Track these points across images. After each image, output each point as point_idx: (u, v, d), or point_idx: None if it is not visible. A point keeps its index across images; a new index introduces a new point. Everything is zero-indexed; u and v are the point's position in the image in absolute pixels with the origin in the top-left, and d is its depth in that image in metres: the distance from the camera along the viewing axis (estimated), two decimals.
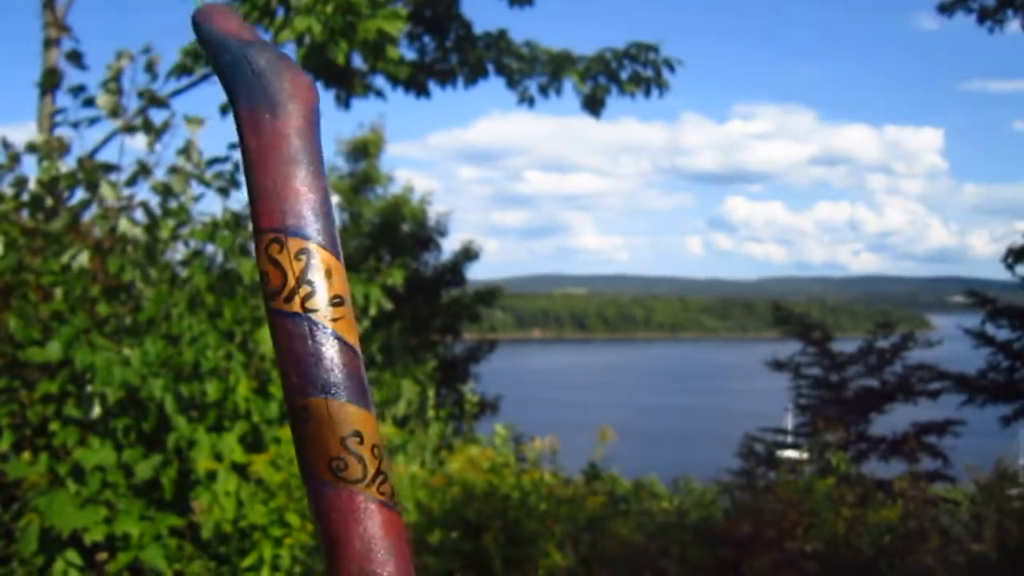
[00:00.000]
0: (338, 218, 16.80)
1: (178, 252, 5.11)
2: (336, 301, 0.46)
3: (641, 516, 4.44)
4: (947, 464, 10.44)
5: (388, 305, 4.64)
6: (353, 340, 0.47)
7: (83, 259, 4.31)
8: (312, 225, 0.47)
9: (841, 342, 13.74)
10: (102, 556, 3.64)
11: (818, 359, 13.39)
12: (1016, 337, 10.76)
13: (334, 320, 0.46)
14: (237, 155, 5.40)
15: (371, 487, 0.45)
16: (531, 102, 7.37)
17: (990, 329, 10.88)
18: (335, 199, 15.41)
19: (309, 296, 0.46)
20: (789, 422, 13.58)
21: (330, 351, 0.45)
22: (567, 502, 3.85)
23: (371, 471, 0.45)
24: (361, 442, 0.45)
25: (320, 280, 0.46)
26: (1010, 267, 10.22)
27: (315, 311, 0.46)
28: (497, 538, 3.40)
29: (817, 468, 5.05)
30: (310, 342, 0.45)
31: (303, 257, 0.46)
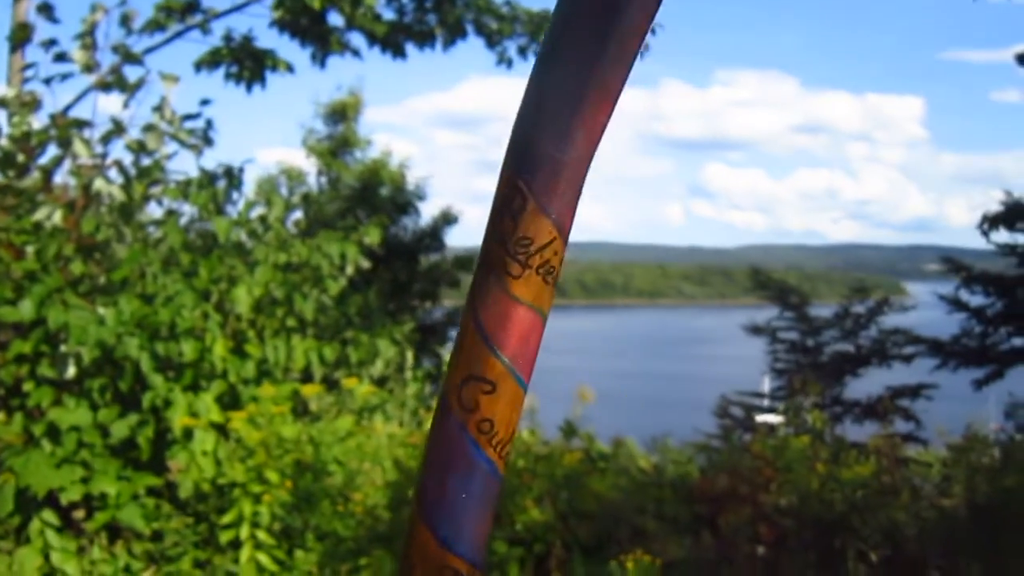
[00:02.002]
0: (315, 182, 16.55)
1: (152, 213, 5.05)
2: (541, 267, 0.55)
3: (618, 475, 4.48)
4: (919, 427, 10.62)
5: (365, 264, 4.61)
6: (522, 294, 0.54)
7: (56, 217, 4.24)
8: (545, 192, 0.53)
9: (818, 308, 13.85)
10: (79, 514, 3.63)
11: (795, 323, 13.53)
12: (989, 303, 10.89)
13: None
14: (208, 111, 5.34)
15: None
16: (509, 63, 7.29)
17: (964, 295, 10.99)
18: (312, 162, 15.25)
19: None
20: (766, 386, 13.73)
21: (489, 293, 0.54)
22: (544, 459, 3.88)
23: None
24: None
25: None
26: (985, 233, 10.30)
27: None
28: None
29: (793, 429, 5.11)
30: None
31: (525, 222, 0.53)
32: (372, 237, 4.84)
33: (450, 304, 15.63)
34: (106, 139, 4.50)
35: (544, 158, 0.53)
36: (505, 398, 0.53)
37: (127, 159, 4.71)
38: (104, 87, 4.70)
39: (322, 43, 6.83)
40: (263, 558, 3.35)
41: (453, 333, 14.55)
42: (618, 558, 3.14)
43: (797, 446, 4.09)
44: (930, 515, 3.96)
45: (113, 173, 4.55)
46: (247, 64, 6.55)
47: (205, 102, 5.08)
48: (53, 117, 4.82)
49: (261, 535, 3.37)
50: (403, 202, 14.77)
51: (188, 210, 5.00)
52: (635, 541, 3.66)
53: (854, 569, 3.66)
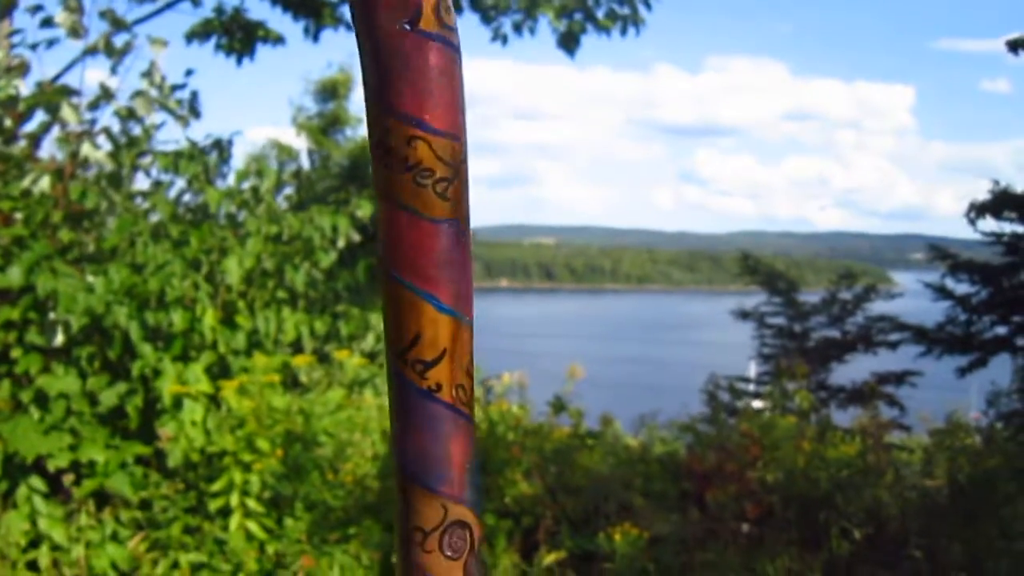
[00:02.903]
0: (307, 160, 16.45)
1: (141, 183, 5.01)
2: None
3: (608, 455, 4.50)
4: (903, 413, 10.72)
5: (356, 237, 4.60)
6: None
7: (44, 184, 4.20)
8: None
9: (805, 296, 13.92)
10: (69, 478, 3.62)
11: (783, 308, 13.61)
12: (975, 291, 10.97)
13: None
14: (198, 87, 5.31)
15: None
16: (504, 40, 7.25)
17: (950, 283, 11.07)
18: (302, 140, 15.15)
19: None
20: (752, 371, 13.80)
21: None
22: (534, 433, 3.90)
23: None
24: None
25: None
26: (972, 222, 10.36)
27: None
28: None
29: (779, 410, 5.15)
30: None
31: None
32: (364, 210, 4.83)
33: None
34: (94, 105, 4.47)
35: (372, 47, 0.50)
36: (398, 306, 0.52)
37: (115, 127, 4.67)
38: (91, 52, 4.64)
39: (315, 16, 6.77)
40: (252, 526, 3.36)
41: None
42: (606, 531, 3.17)
43: (784, 425, 4.13)
44: (913, 495, 4.00)
45: (101, 140, 4.51)
46: (238, 36, 6.49)
47: (190, 72, 5.04)
48: (40, 84, 4.76)
49: (251, 503, 3.37)
50: None
51: (177, 184, 4.97)
52: (622, 516, 3.69)
53: (837, 546, 3.70)
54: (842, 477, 3.86)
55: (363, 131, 15.47)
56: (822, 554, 3.66)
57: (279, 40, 6.69)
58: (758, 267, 14.86)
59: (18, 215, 4.15)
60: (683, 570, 3.44)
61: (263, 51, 6.79)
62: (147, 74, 4.48)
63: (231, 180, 5.15)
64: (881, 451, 4.21)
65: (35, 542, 3.57)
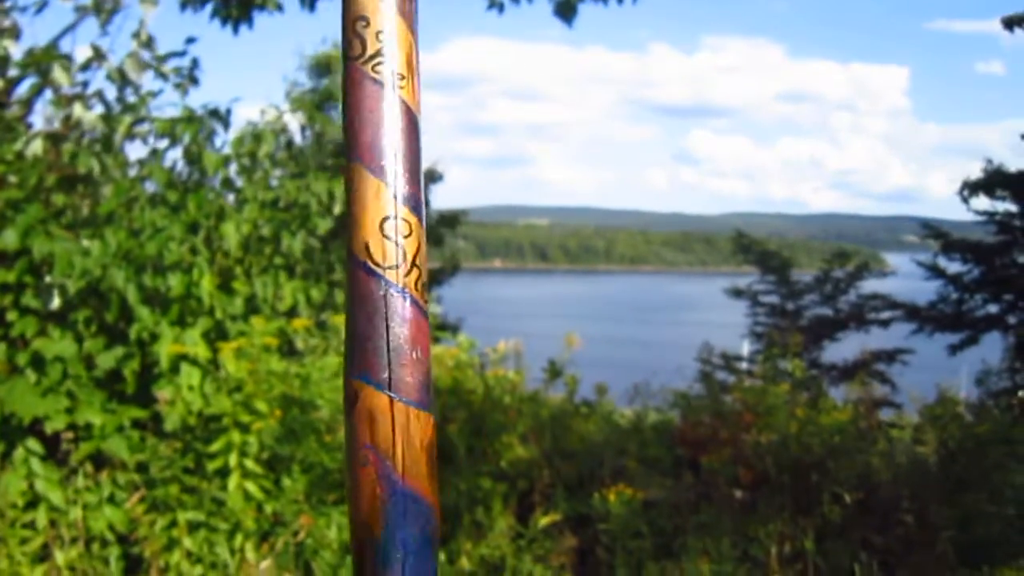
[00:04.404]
0: (300, 137, 16.40)
1: (137, 151, 4.99)
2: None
3: (603, 422, 4.53)
4: (895, 390, 10.80)
5: None
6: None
7: (37, 147, 4.18)
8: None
9: (798, 276, 13.98)
10: (68, 435, 3.63)
11: (776, 287, 13.66)
12: (967, 270, 11.01)
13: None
14: (193, 49, 5.25)
15: (367, 64, 0.57)
16: (501, 8, 7.19)
17: (942, 263, 11.11)
18: (297, 117, 15.06)
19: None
20: (745, 350, 13.87)
21: None
22: (530, 400, 3.92)
23: (370, 51, 0.57)
24: (367, 25, 0.58)
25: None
26: (965, 200, 10.37)
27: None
28: (462, 429, 3.46)
29: (772, 380, 5.18)
30: None
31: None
32: None
33: (432, 267, 15.57)
34: (86, 66, 4.43)
35: None
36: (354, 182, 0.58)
37: (108, 92, 4.63)
38: (82, 12, 4.59)
39: None
40: (251, 486, 3.38)
41: (436, 291, 14.56)
42: (601, 492, 3.20)
43: (777, 392, 4.16)
44: (903, 461, 4.05)
45: (94, 102, 4.49)
46: (234, 3, 6.42)
47: (191, 40, 4.99)
48: (31, 50, 4.71)
49: (249, 464, 3.39)
50: None
51: (171, 155, 4.94)
52: (617, 480, 3.72)
53: (829, 511, 3.75)
54: (835, 443, 3.90)
55: None
56: (814, 518, 3.70)
57: (278, 7, 6.62)
58: (752, 246, 14.89)
59: (12, 178, 4.13)
60: (676, 533, 3.48)
61: (259, 19, 6.71)
62: (136, 35, 4.44)
63: (227, 149, 5.12)
64: (873, 417, 4.25)
65: (33, 503, 3.59)
